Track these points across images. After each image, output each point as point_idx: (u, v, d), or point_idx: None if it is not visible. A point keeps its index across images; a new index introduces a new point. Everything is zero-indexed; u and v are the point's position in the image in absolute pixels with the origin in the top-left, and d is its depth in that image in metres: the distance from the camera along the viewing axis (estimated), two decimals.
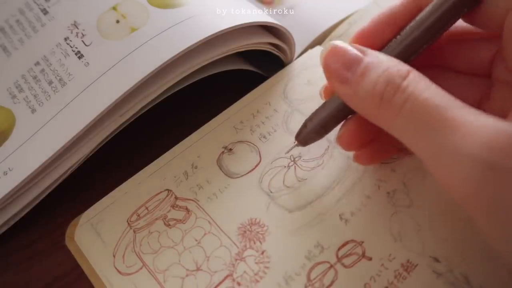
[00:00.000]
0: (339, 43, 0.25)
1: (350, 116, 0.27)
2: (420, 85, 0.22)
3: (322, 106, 0.28)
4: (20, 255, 0.32)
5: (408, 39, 0.25)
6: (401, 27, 0.26)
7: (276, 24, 0.34)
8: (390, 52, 0.25)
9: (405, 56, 0.25)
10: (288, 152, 0.31)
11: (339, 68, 0.24)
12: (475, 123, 0.20)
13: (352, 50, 0.24)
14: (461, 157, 0.20)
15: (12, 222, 0.32)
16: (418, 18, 0.25)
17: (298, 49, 0.39)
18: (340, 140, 0.28)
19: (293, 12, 0.42)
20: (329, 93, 0.29)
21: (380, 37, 0.26)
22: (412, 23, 0.25)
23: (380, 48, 0.26)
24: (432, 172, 0.22)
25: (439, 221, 0.28)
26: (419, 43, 0.25)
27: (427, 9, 0.25)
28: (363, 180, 0.31)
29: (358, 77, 0.23)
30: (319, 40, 0.40)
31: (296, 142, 0.29)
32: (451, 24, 0.25)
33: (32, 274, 0.31)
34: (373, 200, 0.30)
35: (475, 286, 0.26)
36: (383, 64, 0.23)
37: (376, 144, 0.29)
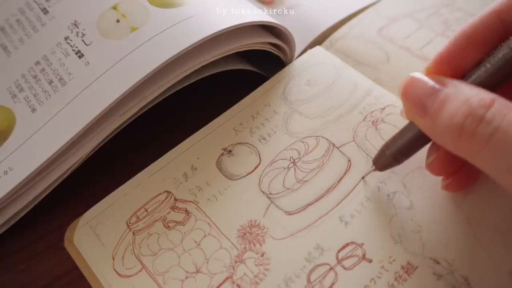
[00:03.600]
0: (417, 74, 0.24)
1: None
2: (509, 116, 0.20)
3: (401, 133, 0.27)
4: (20, 255, 0.32)
5: (496, 65, 0.23)
6: (483, 47, 0.24)
7: (276, 24, 0.34)
8: (474, 80, 0.23)
9: (493, 83, 0.23)
10: (364, 176, 0.31)
11: (416, 100, 0.23)
12: None
13: (430, 81, 0.23)
14: None
15: (12, 222, 0.32)
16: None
17: (298, 49, 0.38)
18: (430, 167, 0.27)
19: (293, 12, 0.42)
20: None
21: (461, 60, 0.25)
22: (503, 46, 0.23)
23: (463, 73, 0.24)
24: None
25: (440, 223, 0.28)
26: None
27: None
28: (363, 182, 0.31)
29: (436, 109, 0.22)
30: (319, 40, 0.40)
31: (373, 167, 0.29)
32: None
33: (32, 274, 0.31)
34: (373, 202, 0.29)
35: None
36: (463, 94, 0.22)
37: (469, 167, 0.25)
